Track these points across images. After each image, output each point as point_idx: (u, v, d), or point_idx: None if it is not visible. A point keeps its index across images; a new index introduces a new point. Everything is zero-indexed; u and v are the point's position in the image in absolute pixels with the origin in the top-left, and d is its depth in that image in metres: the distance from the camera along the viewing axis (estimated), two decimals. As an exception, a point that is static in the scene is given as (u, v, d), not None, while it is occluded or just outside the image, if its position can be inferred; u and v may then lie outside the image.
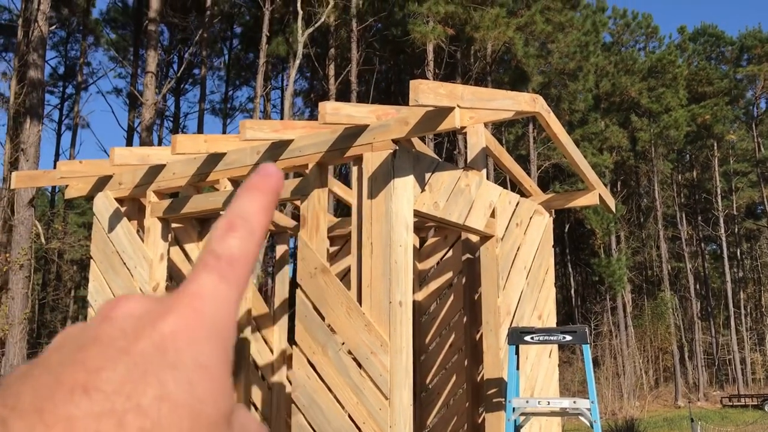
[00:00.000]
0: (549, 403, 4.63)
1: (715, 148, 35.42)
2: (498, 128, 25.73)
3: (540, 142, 26.79)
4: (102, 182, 5.79)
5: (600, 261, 28.66)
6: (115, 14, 26.56)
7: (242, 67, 28.50)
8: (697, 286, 38.34)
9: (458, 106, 4.13)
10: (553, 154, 27.03)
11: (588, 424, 4.60)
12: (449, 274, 6.83)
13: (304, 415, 4.43)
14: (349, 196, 7.02)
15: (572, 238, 34.71)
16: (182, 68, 23.59)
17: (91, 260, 5.72)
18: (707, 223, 37.43)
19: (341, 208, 23.50)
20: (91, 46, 26.88)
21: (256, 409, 6.84)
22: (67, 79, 27.19)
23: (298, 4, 17.88)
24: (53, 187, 27.30)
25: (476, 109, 4.89)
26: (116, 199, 5.70)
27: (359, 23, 21.59)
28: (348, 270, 7.25)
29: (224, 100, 28.56)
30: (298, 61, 18.21)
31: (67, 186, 6.10)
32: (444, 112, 4.21)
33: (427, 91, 3.86)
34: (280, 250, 7.36)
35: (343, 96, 22.45)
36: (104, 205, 5.71)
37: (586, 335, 4.64)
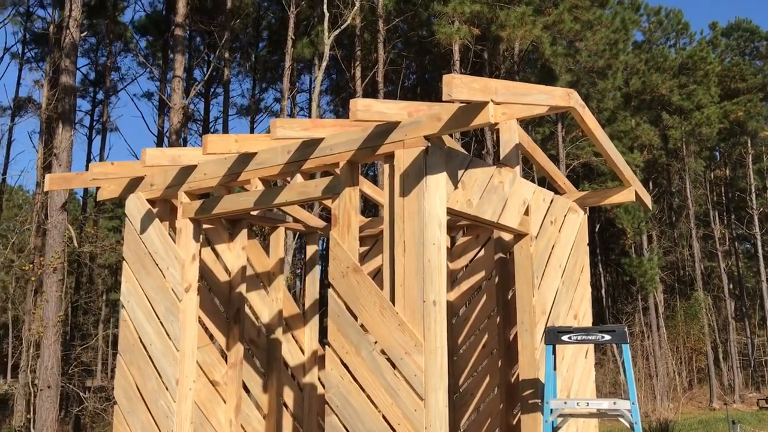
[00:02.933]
0: (588, 404, 4.52)
1: (749, 145, 34.69)
2: (525, 127, 25.50)
3: (569, 141, 26.46)
4: (134, 184, 5.81)
5: (631, 261, 28.21)
6: (143, 20, 26.87)
7: (268, 69, 28.63)
8: (731, 286, 37.59)
9: (492, 101, 4.04)
10: (582, 153, 26.67)
11: (628, 425, 4.48)
12: (481, 274, 6.74)
13: (337, 415, 4.38)
14: (379, 195, 6.97)
15: (602, 238, 34.26)
16: (209, 72, 23.76)
17: (124, 261, 5.74)
18: (741, 222, 36.66)
19: (368, 209, 23.47)
20: (120, 52, 27.23)
21: (288, 409, 6.81)
22: (98, 85, 27.56)
23: (324, 6, 17.89)
24: (84, 192, 27.69)
25: (509, 104, 4.80)
26: (148, 200, 5.71)
27: (385, 24, 21.54)
28: (378, 270, 7.21)
29: (251, 102, 28.71)
30: (324, 63, 18.22)
31: (99, 188, 6.14)
32: (477, 107, 4.13)
33: (460, 86, 3.79)
34: (311, 250, 7.34)
35: (369, 97, 22.41)
36: (136, 206, 5.73)
37: (625, 335, 4.52)
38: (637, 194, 6.15)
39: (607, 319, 30.22)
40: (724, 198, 38.78)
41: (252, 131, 26.27)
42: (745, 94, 33.86)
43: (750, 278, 40.56)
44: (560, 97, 4.64)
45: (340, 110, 26.80)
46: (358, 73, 22.05)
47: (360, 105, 4.19)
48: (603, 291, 31.96)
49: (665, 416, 21.01)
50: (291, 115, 23.99)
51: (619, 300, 33.33)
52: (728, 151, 36.91)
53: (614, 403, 4.45)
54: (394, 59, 23.36)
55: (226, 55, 23.18)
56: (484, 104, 4.07)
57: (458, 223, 6.79)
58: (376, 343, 4.31)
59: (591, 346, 5.95)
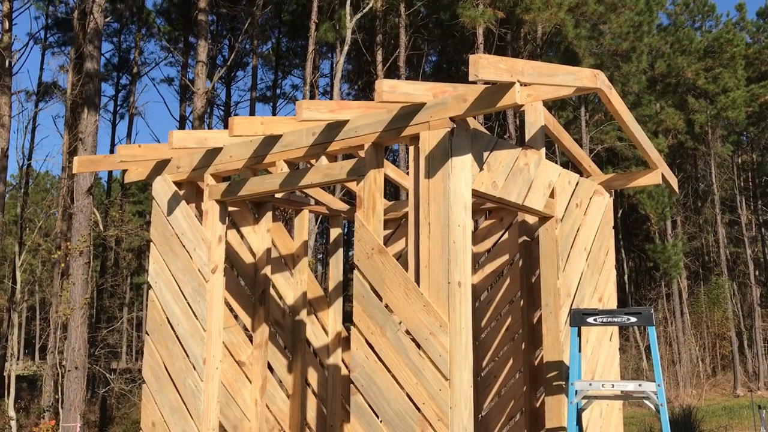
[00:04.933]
0: (613, 386, 4.51)
1: (778, 129, 34.07)
2: (548, 111, 25.26)
3: (592, 126, 26.18)
4: (160, 166, 5.87)
5: (655, 247, 27.94)
6: (166, 4, 26.97)
7: (290, 54, 28.63)
8: (757, 273, 37.09)
9: (519, 81, 4.02)
10: (606, 138, 26.39)
11: (653, 408, 4.47)
12: (505, 257, 6.74)
13: (363, 395, 4.42)
14: (401, 178, 6.97)
15: (625, 224, 33.95)
16: (232, 57, 23.83)
17: (151, 243, 5.82)
18: (768, 207, 36.11)
19: (388, 194, 23.45)
20: (143, 37, 27.38)
21: (312, 389, 6.89)
22: (121, 69, 27.77)
23: (347, -10, 17.83)
24: (109, 177, 27.99)
25: (535, 85, 4.77)
26: (174, 182, 5.77)
27: (407, 8, 21.42)
28: (401, 253, 7.23)
29: (273, 87, 28.77)
30: (346, 48, 18.17)
31: (126, 171, 6.21)
32: (503, 88, 4.11)
33: (487, 66, 3.77)
34: (334, 233, 7.37)
35: (391, 82, 22.28)
36: (163, 188, 5.79)
37: (651, 317, 4.50)
38: (663, 177, 6.09)
39: (630, 305, 30.00)
40: (751, 183, 38.19)
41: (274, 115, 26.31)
42: (776, 77, 33.22)
43: (776, 265, 39.92)
44: (587, 78, 4.60)
45: (361, 96, 26.74)
46: (379, 57, 21.98)
47: (386, 86, 4.19)
48: (626, 277, 31.74)
49: (688, 402, 20.89)
50: (313, 99, 23.97)
51: (643, 286, 33.09)
52: (757, 135, 36.28)
53: (639, 385, 4.44)
54: (417, 43, 23.23)
55: (255, 42, 23.20)
56: (510, 85, 4.05)
57: (482, 206, 6.78)
58: (401, 323, 4.34)
59: (615, 330, 5.93)
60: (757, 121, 34.16)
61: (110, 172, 26.49)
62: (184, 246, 5.57)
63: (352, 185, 6.94)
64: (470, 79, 3.75)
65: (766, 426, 12.83)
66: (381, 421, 4.34)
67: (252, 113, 24.43)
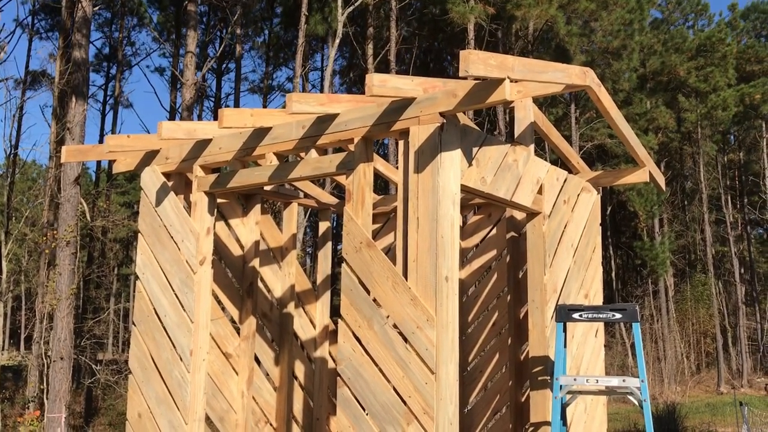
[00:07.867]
0: (597, 381, 4.55)
1: (764, 128, 34.31)
2: (539, 107, 25.32)
3: (583, 123, 26.27)
4: (149, 157, 5.85)
5: (643, 244, 28.11)
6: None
7: (281, 47, 28.51)
8: (742, 271, 37.43)
9: (508, 77, 4.03)
10: (596, 134, 26.49)
11: (637, 403, 4.52)
12: (493, 252, 6.77)
13: (349, 387, 4.44)
14: (391, 172, 6.98)
15: (614, 221, 34.15)
16: (221, 48, 23.71)
17: (139, 234, 5.80)
18: (754, 207, 36.39)
19: (378, 188, 23.46)
20: (135, 27, 27.18)
21: (299, 382, 6.90)
22: (112, 59, 27.54)
23: (338, -17, 17.78)
24: (97, 167, 27.83)
25: (525, 82, 4.79)
26: (163, 173, 5.75)
27: (398, 2, 21.37)
28: (390, 248, 7.25)
29: (264, 79, 28.66)
30: (337, 41, 18.14)
31: (114, 161, 6.18)
32: (493, 84, 4.12)
33: (477, 62, 3.78)
34: (323, 226, 7.37)
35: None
36: (151, 179, 5.77)
37: (636, 313, 4.54)
38: (651, 175, 6.13)
39: (617, 301, 30.21)
40: (737, 182, 38.49)
41: (265, 108, 26.21)
42: (760, 76, 33.44)
43: (762, 263, 40.34)
44: (576, 75, 4.62)
45: (353, 89, 26.68)
46: (370, 51, 21.94)
47: (376, 80, 4.19)
48: (613, 274, 31.93)
49: (672, 399, 21.08)
50: (304, 92, 23.89)
51: (629, 283, 33.32)
52: (742, 134, 36.55)
53: (623, 381, 4.49)
54: (406, 37, 23.19)
55: (238, 31, 23.09)
56: (500, 81, 4.06)
57: (470, 201, 6.81)
58: (388, 317, 4.35)
59: (601, 326, 5.98)
60: (742, 120, 34.39)
61: (98, 162, 26.32)
62: (172, 237, 5.55)
63: (341, 179, 6.95)
64: (460, 74, 3.76)
65: (748, 422, 12.97)
66: (367, 414, 4.36)
67: (237, 104, 24.31)
